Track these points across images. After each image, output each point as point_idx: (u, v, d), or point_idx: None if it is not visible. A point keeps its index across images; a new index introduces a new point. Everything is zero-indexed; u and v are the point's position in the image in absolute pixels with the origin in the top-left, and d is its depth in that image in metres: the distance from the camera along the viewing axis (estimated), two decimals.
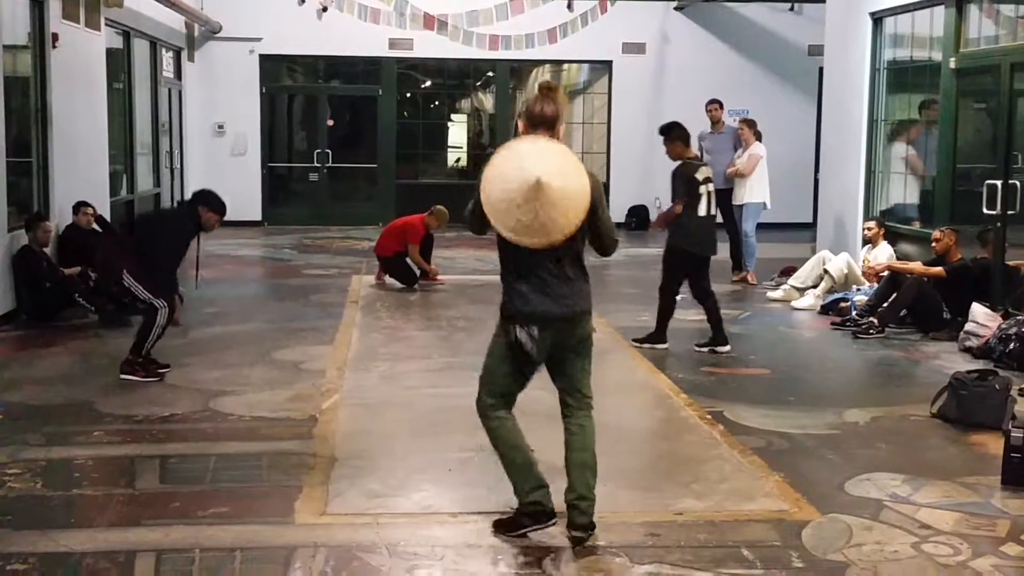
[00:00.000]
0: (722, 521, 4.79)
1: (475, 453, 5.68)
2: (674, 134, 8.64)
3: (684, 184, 8.44)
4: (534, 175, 4.14)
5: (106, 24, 12.51)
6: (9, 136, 9.43)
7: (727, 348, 8.44)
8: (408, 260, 11.63)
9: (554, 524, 4.53)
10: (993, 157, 9.44)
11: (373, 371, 7.71)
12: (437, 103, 20.09)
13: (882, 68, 11.38)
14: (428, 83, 19.72)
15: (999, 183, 8.83)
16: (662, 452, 5.90)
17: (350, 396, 6.93)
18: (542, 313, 4.40)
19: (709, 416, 6.55)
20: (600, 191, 4.44)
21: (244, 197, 18.12)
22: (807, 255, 14.31)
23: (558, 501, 4.54)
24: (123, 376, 7.23)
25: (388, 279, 11.76)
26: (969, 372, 6.65)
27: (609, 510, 4.74)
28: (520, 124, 4.56)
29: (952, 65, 9.82)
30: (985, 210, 8.96)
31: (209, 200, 7.43)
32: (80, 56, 11.44)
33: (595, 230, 4.46)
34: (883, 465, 5.60)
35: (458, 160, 20.31)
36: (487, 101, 20.10)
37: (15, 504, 4.91)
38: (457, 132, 20.33)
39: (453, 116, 20.35)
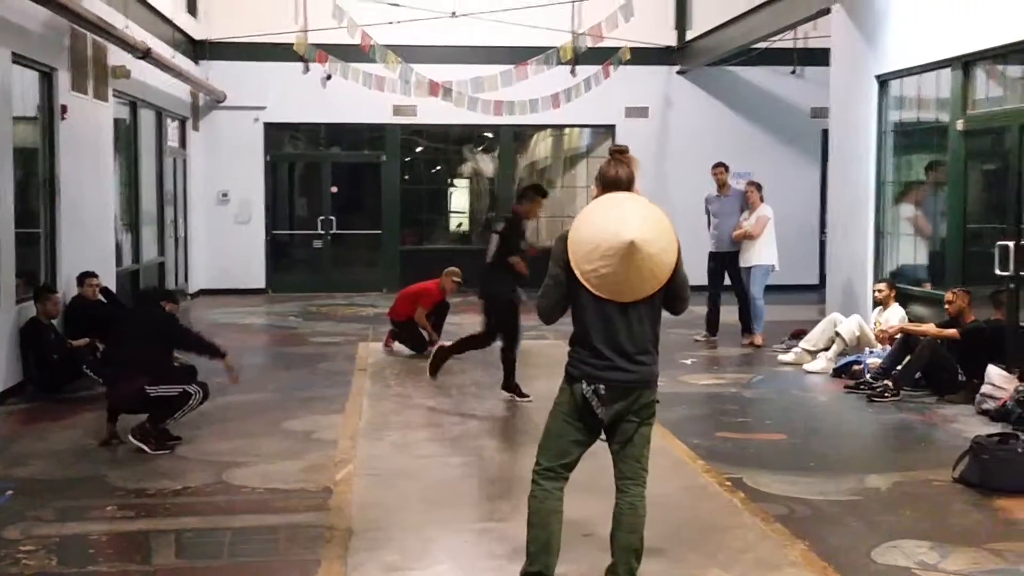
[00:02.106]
0: None
1: (493, 523, 5.65)
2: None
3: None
4: (629, 236, 4.21)
5: (113, 95, 12.65)
6: (17, 207, 9.49)
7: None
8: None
9: None
10: (1002, 217, 9.48)
11: (385, 440, 7.68)
12: (440, 168, 20.27)
13: (888, 130, 11.47)
14: (431, 148, 19.89)
15: (1011, 244, 8.86)
16: (683, 520, 5.85)
17: (364, 466, 6.90)
18: (611, 377, 4.39)
19: (728, 483, 6.52)
20: (680, 254, 4.46)
21: (248, 265, 18.30)
22: (814, 317, 14.33)
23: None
24: (133, 440, 7.20)
25: (396, 345, 11.76)
26: (990, 436, 6.62)
27: None
28: (596, 189, 4.62)
29: (960, 127, 9.91)
30: (997, 271, 8.98)
31: (168, 294, 8.18)
32: (88, 127, 11.55)
33: (672, 293, 4.47)
34: (909, 532, 5.56)
35: (460, 225, 20.42)
36: (489, 166, 20.25)
37: None
38: (460, 197, 20.48)
39: (456, 181, 20.52)
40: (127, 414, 7.36)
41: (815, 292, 17.95)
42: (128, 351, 7.59)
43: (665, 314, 4.52)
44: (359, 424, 8.16)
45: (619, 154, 4.67)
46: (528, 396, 8.94)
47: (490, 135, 19.42)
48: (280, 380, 10.07)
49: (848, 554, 5.23)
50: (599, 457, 4.68)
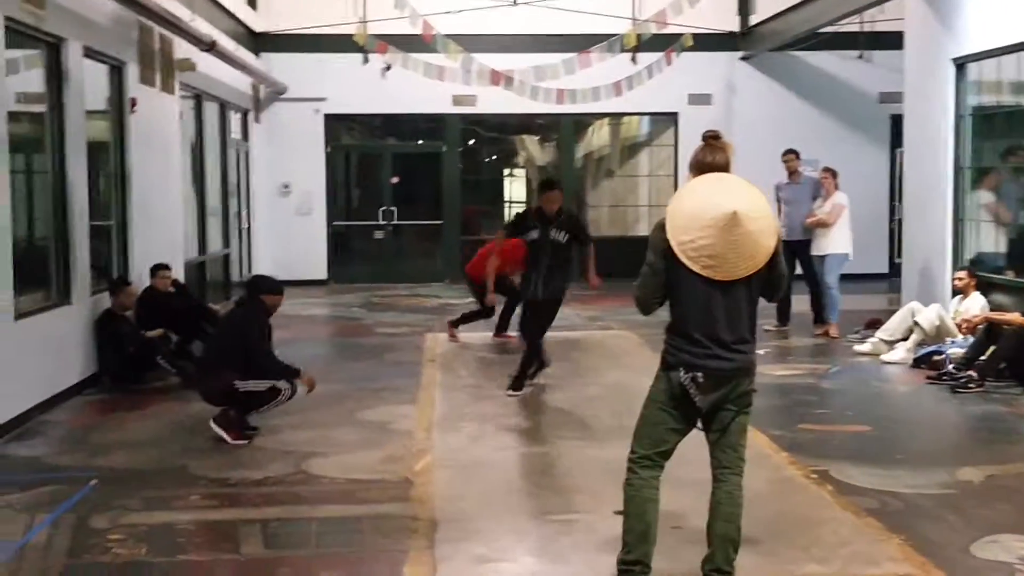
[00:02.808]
0: None
1: (577, 515, 5.62)
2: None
3: None
4: (732, 207, 4.18)
5: (179, 87, 12.75)
6: (90, 200, 9.60)
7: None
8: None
9: None
10: None
11: (462, 432, 7.67)
12: (498, 158, 20.24)
13: (967, 114, 11.25)
14: (491, 138, 19.87)
15: None
16: (773, 514, 5.76)
17: (442, 457, 6.89)
18: (709, 365, 4.35)
19: (815, 475, 6.42)
20: (780, 242, 4.43)
21: (310, 256, 18.40)
22: (886, 306, 14.16)
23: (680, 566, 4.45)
24: (215, 427, 7.27)
25: (460, 338, 11.70)
26: None
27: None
28: (691, 177, 4.56)
29: None
30: None
31: (265, 285, 7.69)
32: (156, 119, 11.66)
33: (770, 280, 4.43)
34: (1007, 526, 5.44)
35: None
36: (548, 155, 20.19)
37: (122, 571, 4.92)
38: (518, 187, 20.45)
39: (514, 171, 20.49)
40: (217, 407, 7.39)
41: (884, 281, 17.75)
42: (217, 345, 7.63)
43: None
44: (433, 415, 8.16)
45: (714, 139, 4.60)
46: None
47: (541, 123, 19.37)
48: (350, 371, 10.10)
49: (946, 549, 5.12)
50: (686, 449, 4.62)
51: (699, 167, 4.54)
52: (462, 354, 11.12)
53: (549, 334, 11.98)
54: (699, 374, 4.35)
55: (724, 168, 4.50)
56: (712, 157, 4.52)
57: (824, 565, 4.94)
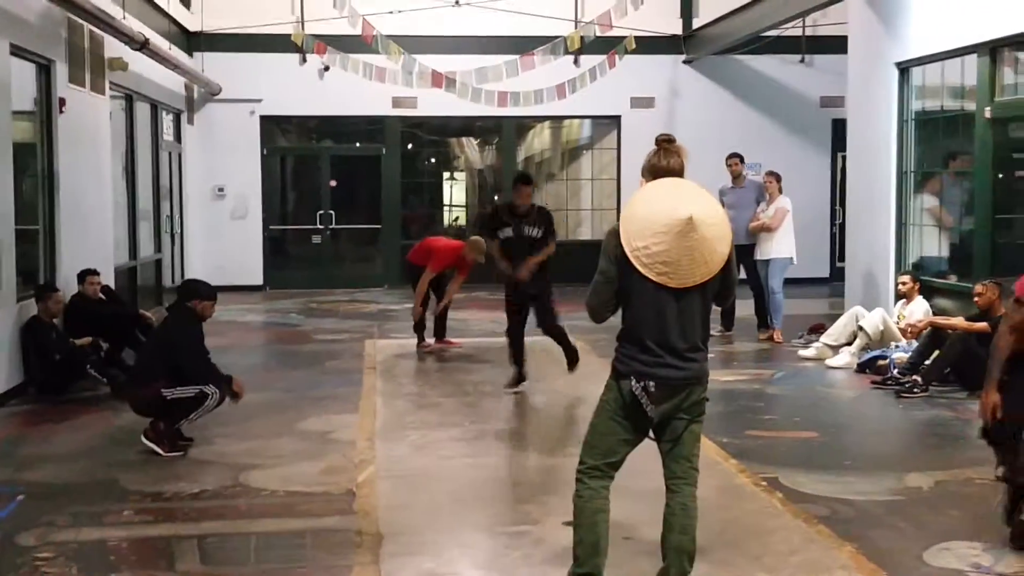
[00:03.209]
0: None
1: (527, 527, 5.56)
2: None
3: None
4: (687, 212, 4.13)
5: (109, 88, 12.50)
6: (16, 203, 9.35)
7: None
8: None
9: None
10: None
11: (404, 441, 7.57)
12: (438, 161, 20.16)
13: (910, 119, 11.38)
14: (431, 141, 19.77)
15: None
16: (724, 522, 5.74)
17: (385, 468, 6.78)
18: (660, 374, 4.30)
19: (764, 483, 6.42)
20: (733, 248, 4.40)
21: (245, 261, 18.14)
22: (828, 311, 14.30)
23: None
24: (145, 441, 7.09)
25: (433, 344, 11.61)
26: None
27: None
28: (643, 182, 4.50)
29: (987, 115, 9.82)
30: None
31: (198, 291, 7.48)
32: (86, 120, 11.41)
33: (727, 281, 4.40)
34: (958, 533, 5.47)
35: (456, 219, 20.30)
36: (488, 158, 20.15)
37: None
38: (458, 191, 20.39)
39: (455, 175, 20.43)
40: (147, 418, 7.22)
41: (826, 285, 17.93)
42: (147, 353, 7.47)
43: None
44: (375, 424, 8.05)
45: (667, 143, 4.55)
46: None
47: (483, 126, 19.35)
48: (289, 379, 9.94)
49: (898, 556, 5.13)
50: (636, 459, 4.57)
51: (653, 171, 4.49)
52: (402, 361, 11.01)
53: (491, 340, 11.98)
54: (651, 383, 4.30)
55: (678, 172, 4.46)
56: (666, 161, 4.48)
57: (775, 574, 4.93)
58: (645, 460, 4.70)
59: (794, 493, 6.21)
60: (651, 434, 4.48)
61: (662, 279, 4.23)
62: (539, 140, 20.34)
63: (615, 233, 4.32)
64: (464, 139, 20.25)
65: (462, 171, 20.50)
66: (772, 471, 6.65)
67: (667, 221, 4.16)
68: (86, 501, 6.11)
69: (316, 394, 9.21)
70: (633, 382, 4.32)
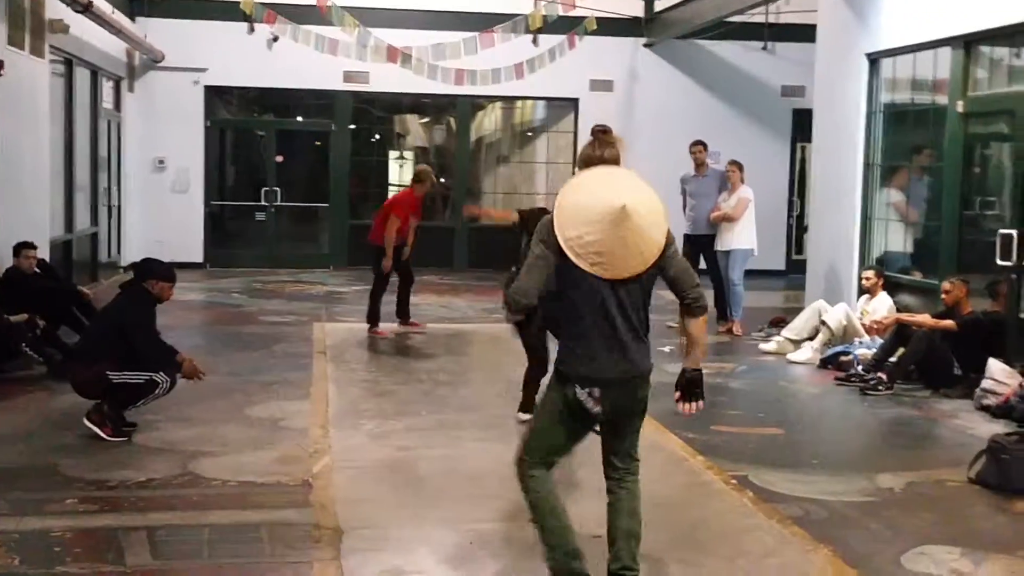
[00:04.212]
0: None
1: (493, 524, 5.47)
2: None
3: None
4: (620, 201, 4.09)
5: (49, 51, 12.18)
6: None
7: None
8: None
9: None
10: (1001, 205, 9.48)
11: (360, 430, 7.44)
12: (390, 139, 19.95)
13: (879, 111, 11.43)
14: (383, 118, 19.55)
15: (1014, 232, 8.84)
16: (695, 522, 5.71)
17: (342, 458, 6.66)
18: (605, 376, 4.27)
19: (734, 481, 6.39)
20: (672, 236, 4.35)
21: (185, 237, 17.79)
22: (785, 303, 14.37)
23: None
24: (88, 424, 6.90)
25: (390, 329, 11.43)
26: (1008, 435, 6.57)
27: None
28: (579, 173, 4.45)
29: (960, 109, 9.87)
30: (999, 261, 8.96)
31: (154, 271, 7.27)
32: (24, 85, 11.11)
33: (674, 271, 4.32)
34: (934, 537, 5.47)
35: None
36: (441, 138, 19.99)
37: None
38: (408, 169, 20.17)
39: (404, 154, 20.23)
40: (88, 399, 7.02)
41: (782, 278, 18.03)
42: (94, 332, 7.27)
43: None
44: (328, 412, 7.91)
45: (603, 134, 4.52)
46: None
47: (437, 105, 19.19)
48: (235, 362, 9.75)
49: (876, 561, 5.12)
50: (597, 455, 4.55)
51: (587, 162, 4.46)
52: (354, 346, 10.87)
53: (441, 326, 11.93)
54: (595, 389, 4.27)
55: (614, 163, 4.42)
56: (601, 152, 4.44)
57: None
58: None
59: (765, 492, 6.19)
60: (596, 427, 4.47)
61: (596, 269, 4.19)
62: (490, 121, 20.21)
63: (550, 222, 4.25)
64: (417, 117, 20.05)
65: (410, 150, 20.32)
66: (741, 469, 6.63)
67: (600, 210, 4.13)
68: (25, 488, 5.92)
69: (264, 379, 9.04)
70: (577, 389, 4.29)
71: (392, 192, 19.53)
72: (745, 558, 5.13)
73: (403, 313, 11.73)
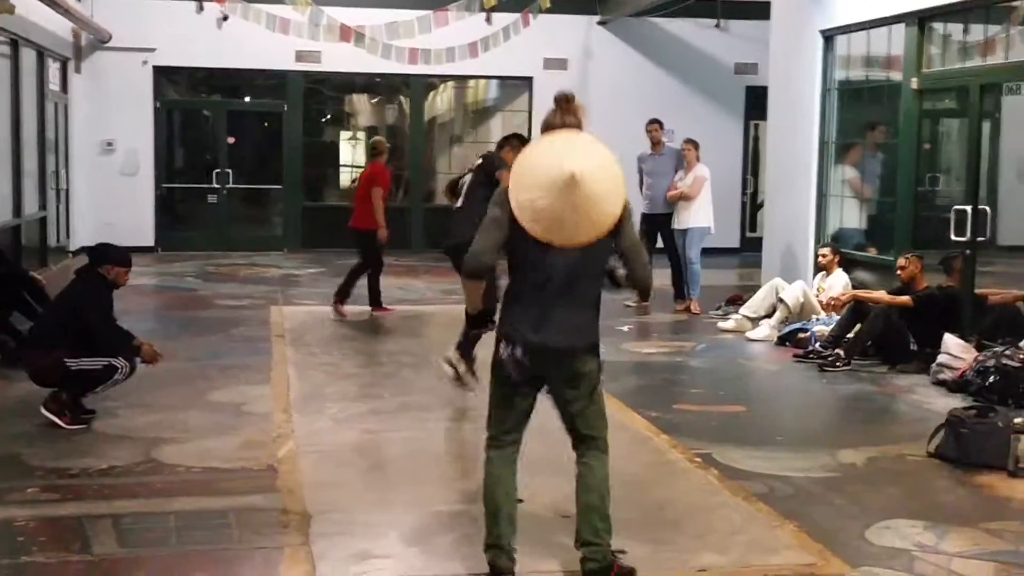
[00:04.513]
0: None
1: (463, 505, 5.49)
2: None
3: None
4: (570, 168, 4.08)
5: None
6: None
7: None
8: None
9: None
10: (954, 181, 9.61)
11: (324, 414, 7.42)
12: (343, 119, 19.83)
13: (833, 88, 11.53)
14: (335, 99, 19.42)
15: (968, 208, 8.97)
16: (660, 500, 5.75)
17: (306, 442, 6.63)
18: (532, 340, 4.29)
19: (699, 459, 6.45)
20: (630, 209, 4.35)
21: (135, 221, 17.55)
22: (739, 281, 14.48)
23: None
24: (45, 413, 6.82)
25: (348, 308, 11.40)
26: (966, 409, 6.69)
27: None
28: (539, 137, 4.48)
29: (914, 85, 9.98)
30: (953, 236, 9.09)
31: (110, 256, 7.19)
32: None
33: (625, 244, 4.35)
34: (897, 511, 5.56)
35: (354, 181, 20.01)
36: (393, 117, 19.88)
37: None
38: (360, 150, 20.07)
39: (357, 134, 20.12)
40: (45, 388, 6.94)
41: (736, 255, 18.16)
42: (49, 319, 7.18)
43: None
44: (290, 396, 7.87)
45: (566, 102, 4.53)
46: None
47: (390, 84, 19.10)
48: (193, 347, 9.67)
49: (842, 535, 5.19)
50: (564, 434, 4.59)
51: (548, 129, 4.47)
52: (313, 329, 10.80)
53: (400, 308, 11.90)
54: (518, 349, 4.29)
55: (577, 130, 4.43)
56: (562, 120, 4.46)
57: (722, 554, 4.93)
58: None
59: (729, 469, 6.26)
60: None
61: (547, 236, 4.20)
62: (444, 101, 20.13)
63: (506, 187, 4.30)
64: (369, 96, 19.93)
65: (362, 131, 20.20)
66: (705, 447, 6.69)
67: (552, 175, 4.12)
68: None
69: (223, 363, 8.98)
70: (503, 346, 4.32)
71: (346, 173, 19.56)
72: (714, 535, 5.19)
73: (376, 301, 11.65)
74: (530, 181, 4.18)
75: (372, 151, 11.93)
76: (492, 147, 19.02)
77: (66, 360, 6.84)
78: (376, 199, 11.25)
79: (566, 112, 4.47)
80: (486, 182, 7.39)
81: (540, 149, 4.32)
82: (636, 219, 12.48)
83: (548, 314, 4.28)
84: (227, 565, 4.71)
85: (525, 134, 18.30)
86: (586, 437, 4.51)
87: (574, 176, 4.07)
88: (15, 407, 7.39)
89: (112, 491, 5.68)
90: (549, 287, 4.28)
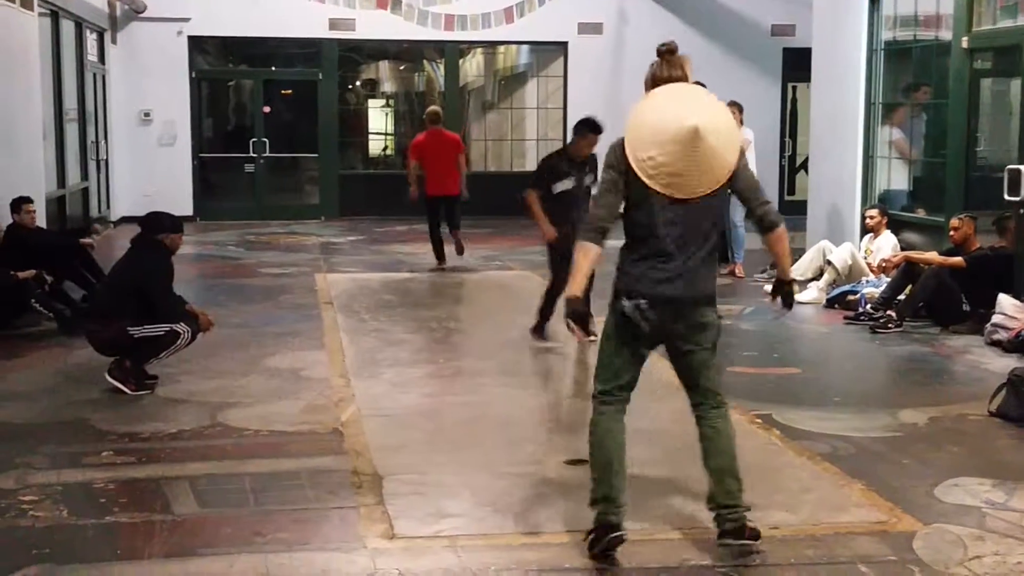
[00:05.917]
0: (824, 535, 4.72)
1: (531, 467, 5.57)
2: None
3: None
4: (693, 122, 4.10)
5: (37, 3, 12.05)
6: None
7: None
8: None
9: (620, 540, 4.40)
10: (1007, 140, 9.56)
11: (381, 378, 7.51)
12: (378, 87, 19.87)
13: (879, 48, 11.46)
14: (369, 66, 19.46)
15: (1022, 168, 8.92)
16: None
17: (368, 406, 6.72)
18: (655, 291, 4.30)
19: (759, 420, 6.50)
20: (744, 157, 4.37)
21: (174, 190, 17.64)
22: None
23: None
24: (110, 379, 6.94)
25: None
26: None
27: (698, 526, 4.69)
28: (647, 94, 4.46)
29: (964, 45, 9.92)
30: (1007, 196, 9.03)
31: (164, 224, 7.29)
32: (15, 39, 11.00)
33: (739, 185, 4.33)
34: (963, 469, 5.60)
35: (385, 149, 20.11)
36: (426, 84, 19.91)
37: (49, 536, 4.63)
38: (392, 118, 20.15)
39: (390, 101, 20.18)
40: (108, 356, 7.06)
41: None
42: (111, 289, 7.31)
43: None
44: (345, 362, 7.97)
45: (669, 54, 4.53)
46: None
47: (424, 51, 19.10)
48: (244, 314, 9.78)
49: (910, 494, 5.23)
50: (633, 398, 4.62)
51: (655, 84, 4.46)
52: (360, 295, 10.90)
53: (444, 276, 12.02)
54: (643, 301, 4.30)
55: (684, 82, 4.45)
56: (668, 73, 4.46)
57: (792, 513, 5.00)
58: (641, 399, 4.80)
59: (791, 430, 6.30)
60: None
61: (668, 190, 4.23)
62: (476, 66, 20.12)
63: (619, 146, 4.30)
64: (403, 64, 19.95)
65: (394, 98, 20.25)
66: (765, 408, 6.73)
67: (674, 131, 4.14)
68: (59, 441, 5.98)
69: (275, 330, 9.09)
70: (625, 301, 4.34)
71: (378, 140, 19.63)
72: (782, 494, 5.25)
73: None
74: (649, 138, 4.19)
75: (434, 118, 12.30)
76: (525, 113, 19.25)
77: (129, 328, 6.95)
78: (463, 164, 12.05)
79: (672, 65, 4.46)
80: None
81: (654, 104, 4.31)
82: None
83: (669, 266, 4.29)
84: (307, 524, 4.80)
85: (560, 101, 18.59)
86: (708, 392, 4.55)
87: (697, 130, 4.10)
88: (78, 374, 7.51)
89: (184, 454, 5.80)
90: (668, 240, 4.28)
